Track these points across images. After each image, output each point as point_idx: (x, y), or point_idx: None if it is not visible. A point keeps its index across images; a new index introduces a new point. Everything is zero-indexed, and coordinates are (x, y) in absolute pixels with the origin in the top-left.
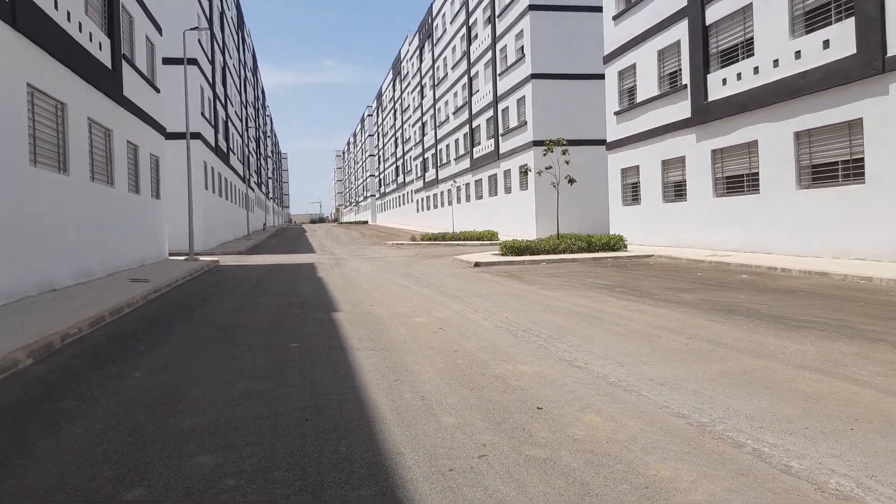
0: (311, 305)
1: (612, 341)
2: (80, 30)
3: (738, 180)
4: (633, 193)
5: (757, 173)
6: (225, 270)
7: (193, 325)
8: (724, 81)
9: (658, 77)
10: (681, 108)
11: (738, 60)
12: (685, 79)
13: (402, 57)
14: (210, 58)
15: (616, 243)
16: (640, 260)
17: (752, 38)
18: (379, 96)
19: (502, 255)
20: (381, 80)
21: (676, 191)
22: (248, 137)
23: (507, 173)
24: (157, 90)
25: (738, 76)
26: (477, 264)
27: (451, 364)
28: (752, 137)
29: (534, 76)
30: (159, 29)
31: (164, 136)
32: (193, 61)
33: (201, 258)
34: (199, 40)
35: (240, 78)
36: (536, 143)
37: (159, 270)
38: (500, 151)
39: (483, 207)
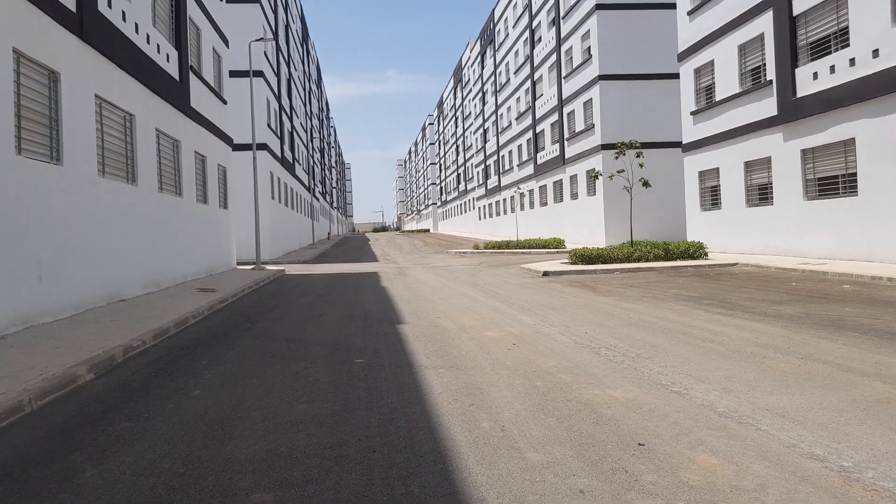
0: (375, 318)
1: (710, 362)
2: (149, 41)
3: (831, 182)
4: (712, 197)
5: (854, 174)
6: (290, 280)
7: (256, 338)
8: (815, 75)
9: (739, 73)
10: (765, 106)
11: (830, 52)
12: (770, 74)
13: (463, 64)
14: (276, 70)
15: (696, 251)
16: (724, 269)
17: (846, 27)
18: (440, 104)
19: (572, 263)
20: (441, 89)
21: (761, 194)
22: (313, 148)
23: (573, 178)
24: (224, 101)
25: (832, 69)
26: (545, 273)
27: (531, 387)
28: (849, 135)
29: (601, 77)
30: (226, 41)
31: (232, 146)
32: (259, 73)
33: (268, 267)
34: (264, 53)
35: (304, 90)
36: (605, 147)
37: (226, 280)
38: (566, 156)
39: (548, 214)
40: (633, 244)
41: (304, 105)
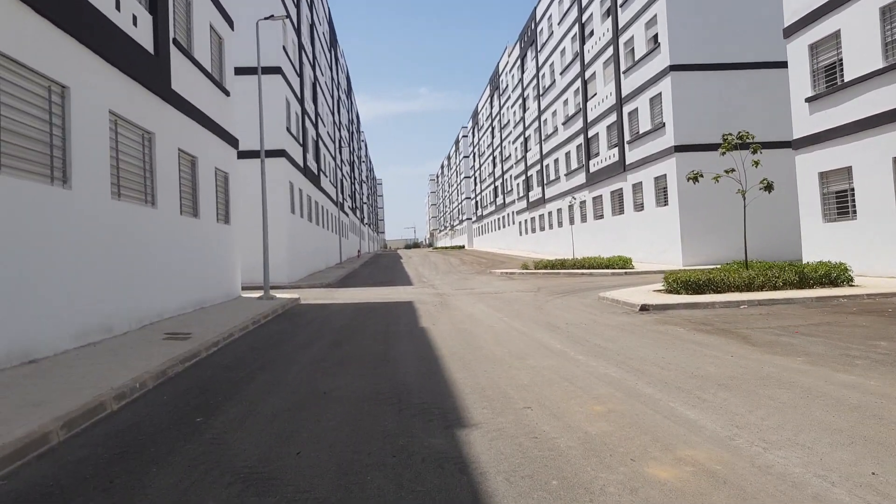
0: (416, 405)
1: None
2: None
3: None
4: (838, 205)
5: None
6: (301, 314)
7: (192, 467)
8: None
9: (882, 44)
10: None
11: None
12: None
13: (500, 70)
14: (298, 70)
15: (839, 275)
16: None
17: None
18: (475, 115)
19: (670, 291)
20: (475, 102)
21: None
22: (342, 160)
23: (636, 187)
24: (227, 93)
25: None
26: (644, 308)
27: None
28: None
29: (673, 68)
30: (230, 22)
31: (237, 148)
32: (277, 69)
33: (279, 295)
34: (283, 47)
35: (333, 98)
36: (679, 149)
37: (215, 317)
38: (627, 161)
39: (605, 228)
40: (748, 266)
41: (333, 114)
